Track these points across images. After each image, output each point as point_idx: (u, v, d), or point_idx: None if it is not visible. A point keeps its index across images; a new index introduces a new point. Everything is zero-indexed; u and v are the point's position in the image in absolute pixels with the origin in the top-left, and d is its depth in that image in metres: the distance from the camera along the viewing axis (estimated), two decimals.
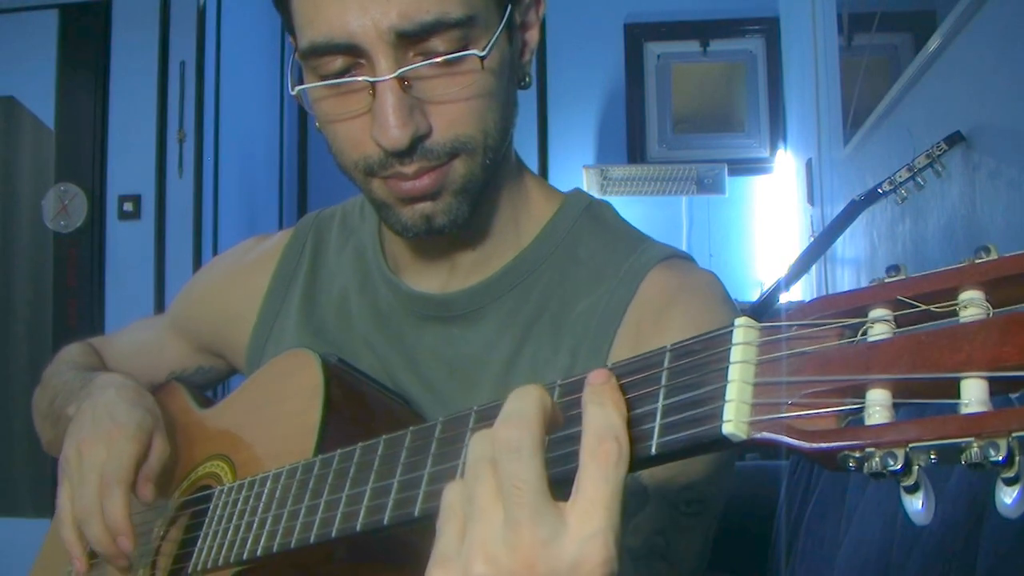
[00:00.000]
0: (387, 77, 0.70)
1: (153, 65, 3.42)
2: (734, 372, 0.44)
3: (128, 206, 3.40)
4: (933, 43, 1.95)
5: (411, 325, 0.87)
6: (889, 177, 2.07)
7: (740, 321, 0.46)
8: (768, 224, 4.11)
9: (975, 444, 0.37)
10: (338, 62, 0.72)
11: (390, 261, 0.91)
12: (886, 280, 0.42)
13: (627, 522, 0.73)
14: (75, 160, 3.41)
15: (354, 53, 0.71)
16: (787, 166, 4.08)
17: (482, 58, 0.72)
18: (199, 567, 0.78)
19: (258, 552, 0.69)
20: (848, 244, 2.92)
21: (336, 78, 0.73)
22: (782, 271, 2.58)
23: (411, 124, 0.72)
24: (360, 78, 0.72)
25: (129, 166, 3.41)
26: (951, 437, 0.38)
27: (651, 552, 0.72)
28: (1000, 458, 0.36)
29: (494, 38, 0.73)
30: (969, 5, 1.74)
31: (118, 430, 0.84)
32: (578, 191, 0.92)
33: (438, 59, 0.71)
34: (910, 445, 0.39)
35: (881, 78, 2.51)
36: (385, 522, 0.57)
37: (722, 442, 0.44)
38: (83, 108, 3.42)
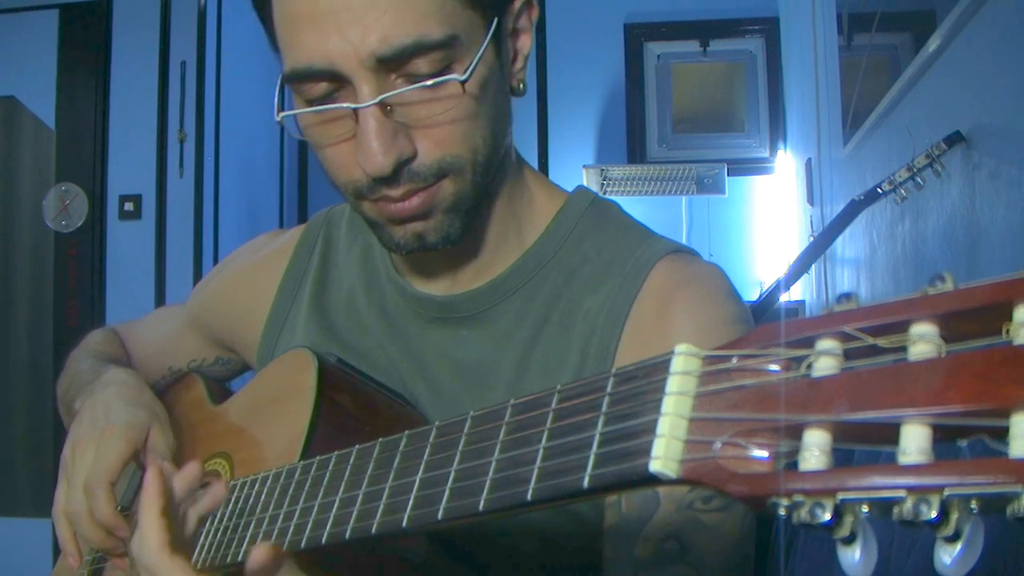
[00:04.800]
0: (368, 104, 0.69)
1: (153, 65, 3.42)
2: (668, 404, 0.41)
3: (129, 206, 3.40)
4: (933, 43, 1.95)
5: (418, 327, 0.87)
6: (889, 177, 2.07)
7: (681, 348, 0.42)
8: (768, 224, 4.11)
9: (908, 499, 0.33)
10: (321, 86, 0.71)
11: (396, 262, 0.90)
12: (835, 309, 0.37)
13: (636, 532, 0.73)
14: (76, 160, 3.41)
15: (336, 79, 0.70)
16: (787, 166, 4.09)
17: (463, 82, 0.70)
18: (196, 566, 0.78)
19: (240, 557, 0.68)
20: (848, 244, 2.92)
21: (321, 101, 0.72)
22: (782, 271, 2.58)
23: (394, 150, 0.71)
24: (342, 105, 0.71)
25: (130, 166, 3.41)
26: (878, 490, 0.33)
27: (662, 559, 0.72)
28: (932, 516, 0.32)
29: (476, 59, 0.71)
30: (969, 5, 1.74)
31: (109, 430, 0.85)
32: (583, 188, 0.90)
33: (417, 85, 0.70)
34: (840, 496, 0.34)
35: (881, 78, 2.51)
36: (373, 531, 0.56)
37: (651, 479, 0.40)
38: (83, 108, 3.42)
